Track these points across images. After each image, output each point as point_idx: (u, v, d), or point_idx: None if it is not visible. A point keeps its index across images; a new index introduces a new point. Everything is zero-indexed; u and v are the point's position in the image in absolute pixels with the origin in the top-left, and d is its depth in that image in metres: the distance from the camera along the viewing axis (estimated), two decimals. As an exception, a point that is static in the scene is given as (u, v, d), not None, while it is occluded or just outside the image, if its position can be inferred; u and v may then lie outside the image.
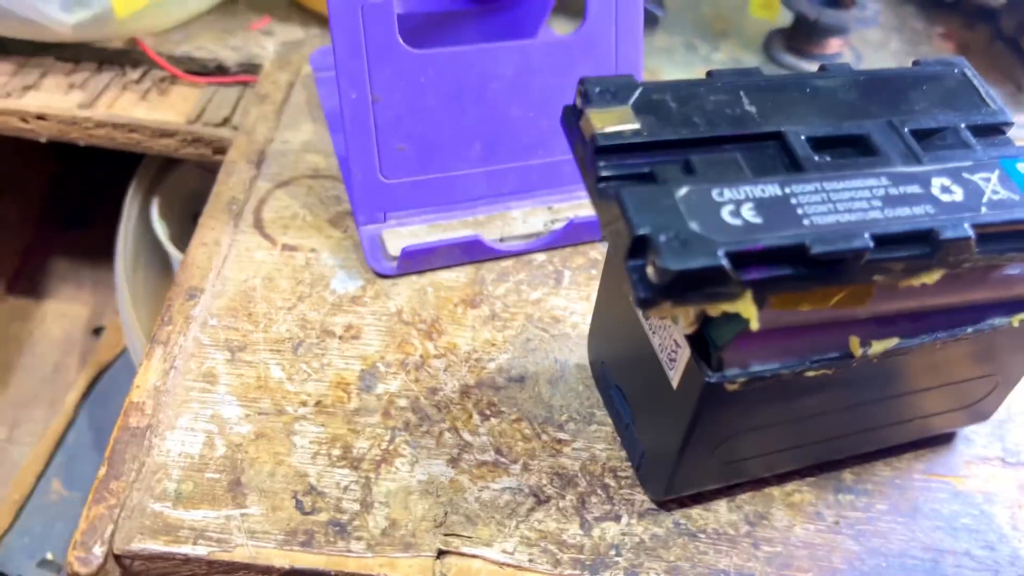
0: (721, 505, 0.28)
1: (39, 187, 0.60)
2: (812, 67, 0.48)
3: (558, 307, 0.34)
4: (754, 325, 0.20)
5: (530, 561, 0.26)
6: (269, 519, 0.27)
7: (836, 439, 0.28)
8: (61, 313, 0.55)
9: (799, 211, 0.20)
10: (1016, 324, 0.24)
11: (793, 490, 0.29)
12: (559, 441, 0.29)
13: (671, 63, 0.48)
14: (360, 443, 0.29)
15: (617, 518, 0.28)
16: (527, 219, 0.37)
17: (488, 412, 0.30)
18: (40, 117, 0.43)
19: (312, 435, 0.29)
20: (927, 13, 0.54)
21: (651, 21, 0.49)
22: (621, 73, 0.35)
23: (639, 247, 0.19)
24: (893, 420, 0.28)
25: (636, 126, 0.21)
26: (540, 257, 0.36)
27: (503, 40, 0.35)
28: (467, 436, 0.29)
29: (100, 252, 0.52)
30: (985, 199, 0.21)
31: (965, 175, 0.22)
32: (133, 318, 0.46)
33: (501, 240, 0.36)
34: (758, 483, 0.29)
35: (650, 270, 0.19)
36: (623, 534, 0.27)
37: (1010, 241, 0.21)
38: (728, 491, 0.28)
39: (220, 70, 0.45)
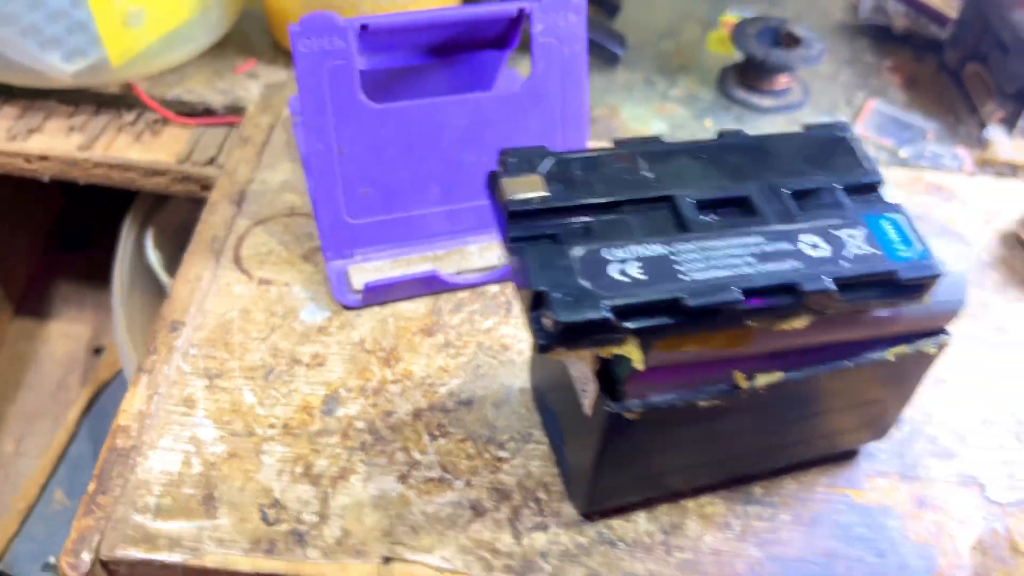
0: (641, 516, 0.31)
1: (44, 218, 0.64)
2: (763, 101, 0.51)
3: (507, 335, 0.37)
4: (639, 366, 0.23)
5: (465, 567, 0.30)
6: (237, 529, 0.30)
7: (742, 457, 0.31)
8: (64, 333, 0.59)
9: (678, 268, 0.23)
10: (891, 358, 0.28)
11: (706, 503, 0.32)
12: (499, 459, 0.33)
13: (630, 99, 0.51)
14: (320, 461, 0.32)
15: (545, 528, 0.31)
16: (483, 253, 0.40)
17: (437, 433, 0.34)
18: (43, 158, 0.47)
19: (279, 454, 0.33)
20: (879, 47, 0.57)
21: (612, 59, 0.53)
22: (568, 119, 0.39)
23: (538, 301, 0.22)
24: (793, 440, 0.31)
25: (544, 193, 0.24)
26: (493, 288, 0.39)
27: (461, 91, 0.38)
28: (417, 455, 0.33)
29: (101, 276, 0.56)
30: (848, 254, 0.24)
31: (833, 232, 0.24)
32: (127, 341, 0.50)
33: (458, 273, 0.39)
34: (675, 496, 0.32)
35: (545, 321, 0.22)
36: (550, 543, 0.30)
37: (869, 290, 0.24)
38: (648, 504, 0.32)
39: (208, 112, 0.49)
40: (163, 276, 0.52)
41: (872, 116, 0.50)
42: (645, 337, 0.23)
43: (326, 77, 0.35)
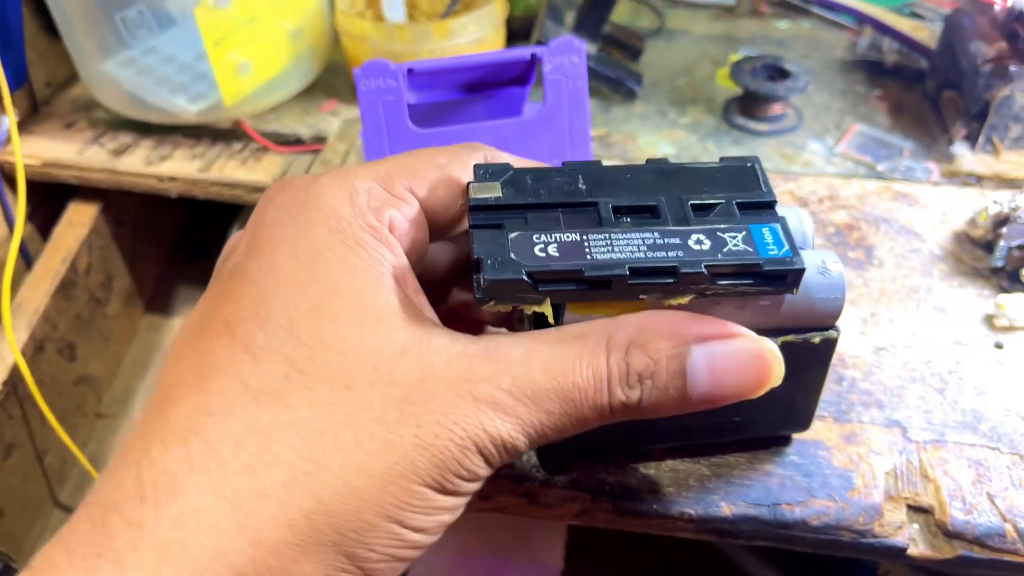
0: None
1: (169, 229, 0.78)
2: (759, 127, 0.59)
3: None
4: (552, 322, 0.29)
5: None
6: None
7: (666, 435, 0.37)
8: (183, 326, 0.72)
9: (586, 250, 0.28)
10: (779, 343, 0.30)
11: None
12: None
13: (645, 128, 0.61)
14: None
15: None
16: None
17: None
18: (172, 179, 0.59)
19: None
20: (871, 79, 0.64)
21: (630, 94, 0.62)
22: (575, 139, 0.49)
23: (478, 267, 0.28)
24: (709, 424, 0.35)
25: (498, 195, 0.30)
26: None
27: (492, 119, 0.48)
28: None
29: (212, 280, 0.69)
30: (725, 250, 0.28)
31: (718, 233, 0.29)
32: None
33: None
34: (640, 457, 0.39)
35: (479, 278, 0.28)
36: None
37: (738, 278, 0.28)
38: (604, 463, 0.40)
39: (298, 141, 0.61)
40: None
41: (855, 137, 0.58)
42: (556, 299, 0.28)
43: (382, 109, 0.46)
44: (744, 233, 0.28)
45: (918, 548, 0.36)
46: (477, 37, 0.60)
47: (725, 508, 0.37)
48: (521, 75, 0.49)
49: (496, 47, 0.62)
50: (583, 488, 0.38)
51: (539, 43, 0.61)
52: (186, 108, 0.60)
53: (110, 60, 0.61)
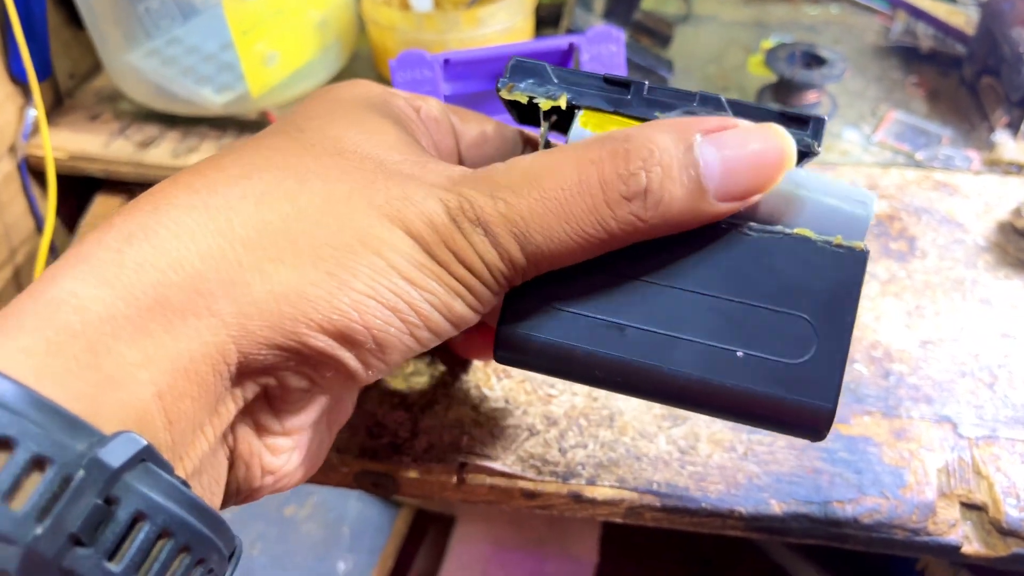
0: (660, 438, 0.39)
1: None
2: (794, 115, 0.58)
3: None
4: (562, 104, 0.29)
5: (522, 471, 0.38)
6: (351, 442, 0.40)
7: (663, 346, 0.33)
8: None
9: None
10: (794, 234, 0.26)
11: (716, 431, 0.40)
12: (550, 395, 0.42)
13: (677, 115, 0.60)
14: (412, 395, 0.42)
15: (585, 446, 0.39)
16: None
17: (503, 375, 0.43)
18: (199, 172, 0.58)
19: (380, 389, 0.42)
20: (906, 65, 0.63)
21: (662, 82, 0.61)
22: (611, 131, 0.48)
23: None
24: (715, 352, 0.29)
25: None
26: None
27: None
28: (486, 391, 0.42)
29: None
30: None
31: None
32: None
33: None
34: (689, 421, 0.40)
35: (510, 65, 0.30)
36: (588, 456, 0.39)
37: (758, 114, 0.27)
38: (665, 430, 0.40)
39: (326, 133, 0.60)
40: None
41: (892, 125, 0.57)
42: (573, 98, 0.29)
43: (419, 100, 0.45)
44: None
45: (972, 546, 0.36)
46: (507, 25, 0.59)
47: (775, 506, 0.37)
48: (558, 64, 0.48)
49: (525, 35, 0.61)
50: (630, 487, 0.38)
51: (569, 31, 0.60)
52: (212, 99, 0.59)
53: (134, 51, 0.60)
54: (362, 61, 0.67)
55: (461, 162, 0.34)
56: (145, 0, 0.60)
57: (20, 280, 0.59)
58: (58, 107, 0.64)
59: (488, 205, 0.24)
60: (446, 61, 0.44)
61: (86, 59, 0.67)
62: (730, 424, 0.40)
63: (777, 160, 0.25)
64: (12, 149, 0.59)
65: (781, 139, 0.25)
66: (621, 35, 0.45)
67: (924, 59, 0.63)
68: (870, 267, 0.46)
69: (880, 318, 0.44)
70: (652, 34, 0.65)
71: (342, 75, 0.64)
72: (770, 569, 0.58)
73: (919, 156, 0.54)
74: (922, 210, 0.50)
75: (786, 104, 0.59)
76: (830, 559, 0.56)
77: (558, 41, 0.45)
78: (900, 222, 0.49)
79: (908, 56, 0.64)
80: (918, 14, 0.64)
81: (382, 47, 0.61)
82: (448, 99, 0.45)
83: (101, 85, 0.66)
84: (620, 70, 0.46)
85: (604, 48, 0.45)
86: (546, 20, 0.66)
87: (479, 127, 0.34)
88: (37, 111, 0.56)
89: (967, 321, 0.44)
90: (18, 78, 0.58)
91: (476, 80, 0.47)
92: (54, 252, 0.60)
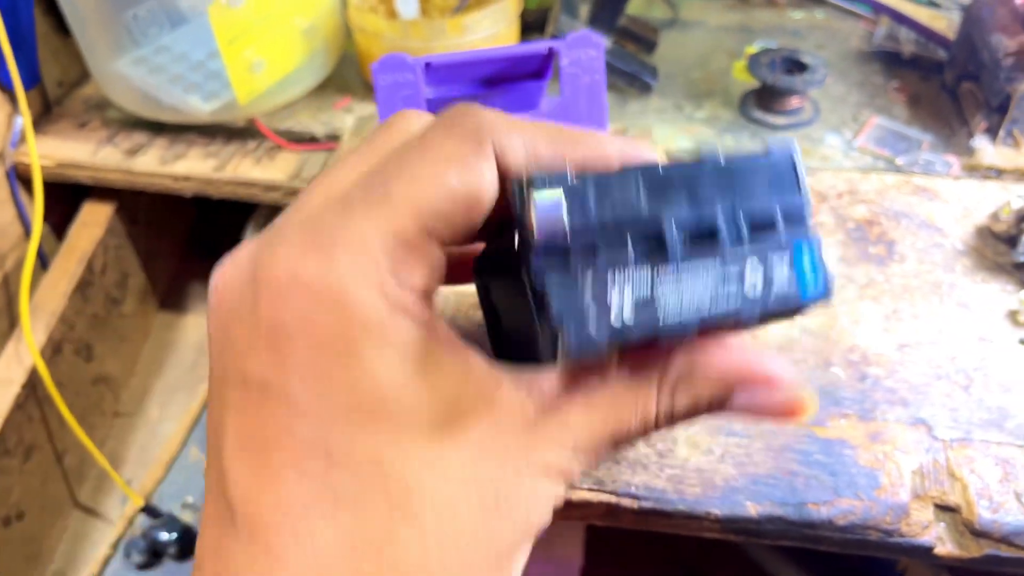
0: (639, 443, 0.40)
1: (184, 228, 0.78)
2: (777, 120, 0.59)
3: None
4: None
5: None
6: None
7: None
8: (198, 325, 0.72)
9: (657, 304, 0.26)
10: None
11: (693, 434, 0.40)
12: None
13: (661, 122, 0.60)
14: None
15: (564, 449, 0.40)
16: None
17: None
18: (186, 178, 0.59)
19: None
20: (889, 70, 0.64)
21: (645, 88, 0.62)
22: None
23: (553, 323, 0.25)
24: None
25: (564, 220, 0.25)
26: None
27: (509, 112, 0.48)
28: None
29: (226, 278, 0.69)
30: (774, 293, 0.27)
31: (769, 254, 0.28)
32: (250, 326, 0.62)
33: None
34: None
35: (562, 345, 0.26)
36: (567, 459, 0.39)
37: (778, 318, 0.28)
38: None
39: (312, 140, 0.61)
40: (276, 274, 0.64)
41: (873, 130, 0.57)
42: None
43: (400, 104, 0.45)
44: (788, 257, 0.28)
45: (945, 547, 0.36)
46: (491, 32, 0.59)
47: (751, 508, 0.37)
48: (538, 69, 0.48)
49: (511, 42, 0.61)
50: (608, 489, 0.38)
51: (554, 37, 0.61)
52: (200, 107, 0.59)
53: (122, 58, 0.61)
54: (349, 68, 0.67)
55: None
56: (133, 8, 0.60)
57: (8, 285, 0.60)
58: (47, 114, 0.64)
59: (574, 466, 0.26)
60: (427, 65, 0.44)
61: (75, 67, 0.67)
62: (708, 426, 0.40)
63: (794, 418, 0.28)
64: (0, 156, 0.59)
65: (807, 407, 0.28)
66: (601, 40, 0.46)
67: (906, 64, 0.64)
68: (849, 271, 0.47)
69: (858, 322, 0.44)
70: (637, 39, 0.65)
71: (329, 82, 0.65)
72: (754, 571, 0.58)
73: (899, 161, 0.55)
74: (901, 214, 0.50)
75: (768, 109, 0.59)
76: (813, 561, 0.57)
77: (538, 46, 0.45)
78: (879, 226, 0.50)
79: (890, 61, 0.64)
80: (901, 19, 0.64)
81: (368, 54, 0.62)
82: (430, 103, 0.46)
83: (90, 93, 0.66)
84: (599, 75, 0.47)
85: (583, 53, 0.46)
86: (532, 26, 0.66)
87: (452, 224, 0.25)
88: (24, 118, 0.56)
89: (944, 324, 0.44)
90: (4, 85, 0.58)
91: (458, 84, 0.48)
92: (42, 259, 0.60)
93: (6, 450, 0.55)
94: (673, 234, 0.27)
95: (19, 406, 0.55)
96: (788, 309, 0.28)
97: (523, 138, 0.26)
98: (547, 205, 0.25)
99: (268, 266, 0.23)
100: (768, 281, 0.28)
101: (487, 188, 0.25)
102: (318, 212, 0.24)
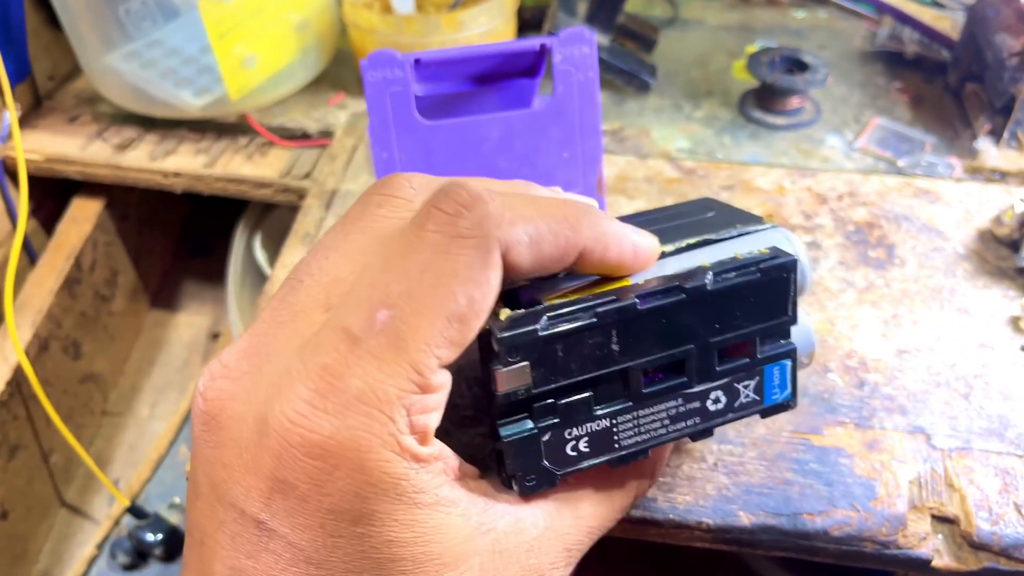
0: (630, 449, 0.39)
1: (174, 225, 0.77)
2: (777, 120, 0.58)
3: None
4: None
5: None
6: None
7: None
8: (189, 323, 0.71)
9: (615, 438, 0.28)
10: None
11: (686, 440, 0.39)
12: (519, 403, 0.41)
13: (659, 121, 0.59)
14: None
15: (552, 455, 0.39)
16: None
17: (472, 384, 0.42)
18: (176, 175, 0.58)
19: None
20: (891, 70, 0.63)
21: (644, 87, 0.61)
22: (584, 131, 0.47)
23: (511, 476, 0.28)
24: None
25: (528, 384, 0.26)
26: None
27: (501, 111, 0.47)
28: (456, 400, 0.41)
29: (218, 275, 0.68)
30: (737, 404, 0.29)
31: (735, 384, 0.29)
32: (240, 328, 0.61)
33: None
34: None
35: (515, 487, 0.28)
36: (555, 465, 0.38)
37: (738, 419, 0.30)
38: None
39: (305, 136, 0.60)
40: (269, 272, 0.63)
41: (875, 131, 0.56)
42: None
43: (388, 100, 0.44)
44: (757, 380, 0.29)
45: (943, 560, 0.35)
46: (487, 28, 0.58)
47: (744, 517, 0.36)
48: (530, 66, 0.47)
49: (507, 39, 0.60)
50: (596, 496, 0.37)
51: (550, 34, 0.60)
52: (191, 102, 0.58)
53: (113, 53, 0.60)
54: (343, 63, 0.66)
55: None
56: (125, 1, 0.60)
57: (-4, 281, 0.59)
58: (37, 108, 0.63)
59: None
60: (417, 61, 0.43)
61: (66, 61, 0.66)
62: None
63: None
64: (-12, 151, 0.58)
65: None
66: (593, 37, 0.45)
67: (909, 65, 0.63)
68: (848, 275, 0.46)
69: (856, 327, 0.43)
70: (636, 38, 0.64)
71: (322, 78, 0.64)
72: (748, 578, 0.57)
73: (901, 163, 0.54)
74: (902, 217, 0.49)
75: (768, 109, 0.58)
76: (809, 569, 0.56)
77: (530, 42, 0.44)
78: (879, 229, 0.49)
79: (893, 62, 0.63)
80: (904, 19, 0.63)
81: (362, 50, 0.61)
82: (420, 100, 0.45)
83: (81, 87, 0.66)
84: (592, 72, 0.46)
85: (576, 50, 0.45)
86: (529, 23, 0.65)
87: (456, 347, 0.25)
88: (10, 113, 0.55)
89: (944, 330, 0.43)
90: (-7, 79, 0.57)
91: (448, 81, 0.47)
92: (29, 253, 0.60)
93: (-9, 449, 0.54)
94: (639, 382, 0.27)
95: (3, 404, 0.54)
96: (749, 414, 0.29)
97: (528, 232, 0.24)
98: (513, 370, 0.25)
99: (277, 416, 0.22)
100: (732, 398, 0.29)
101: (493, 297, 0.24)
102: (326, 347, 0.22)
